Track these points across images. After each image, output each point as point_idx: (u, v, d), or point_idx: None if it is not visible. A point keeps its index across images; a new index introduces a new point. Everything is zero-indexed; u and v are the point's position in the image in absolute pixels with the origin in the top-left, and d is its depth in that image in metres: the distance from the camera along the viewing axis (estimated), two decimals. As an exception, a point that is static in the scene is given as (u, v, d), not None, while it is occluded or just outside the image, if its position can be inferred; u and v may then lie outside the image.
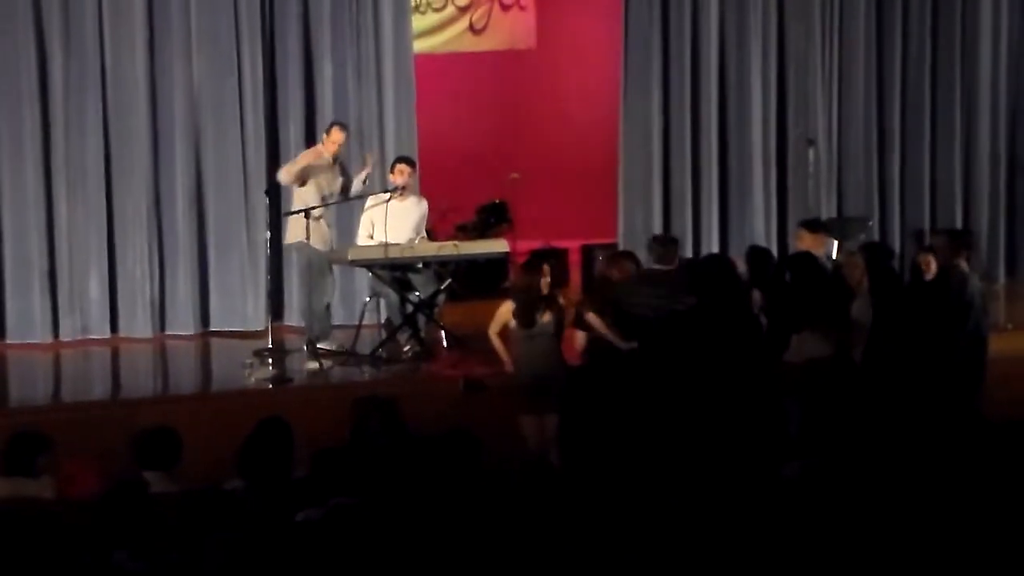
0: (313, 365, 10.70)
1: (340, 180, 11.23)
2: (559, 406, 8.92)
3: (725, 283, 9.36)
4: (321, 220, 11.03)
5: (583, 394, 9.01)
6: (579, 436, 8.74)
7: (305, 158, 11.14)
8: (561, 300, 9.33)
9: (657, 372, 8.94)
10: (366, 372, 10.90)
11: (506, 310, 9.08)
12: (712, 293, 9.15)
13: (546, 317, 8.99)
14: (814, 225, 10.67)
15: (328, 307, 11.30)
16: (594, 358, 9.21)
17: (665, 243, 10.01)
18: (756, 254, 10.66)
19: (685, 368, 8.91)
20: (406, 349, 11.12)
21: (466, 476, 6.23)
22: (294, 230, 10.97)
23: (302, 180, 10.94)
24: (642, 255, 10.46)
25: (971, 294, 9.79)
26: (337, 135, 11.22)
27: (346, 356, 10.92)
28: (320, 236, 10.97)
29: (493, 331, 9.21)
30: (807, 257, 9.98)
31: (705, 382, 8.79)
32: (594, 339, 9.21)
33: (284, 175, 11.11)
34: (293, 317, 12.65)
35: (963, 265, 9.92)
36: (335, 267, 11.30)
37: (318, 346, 10.90)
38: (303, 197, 10.97)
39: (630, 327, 9.12)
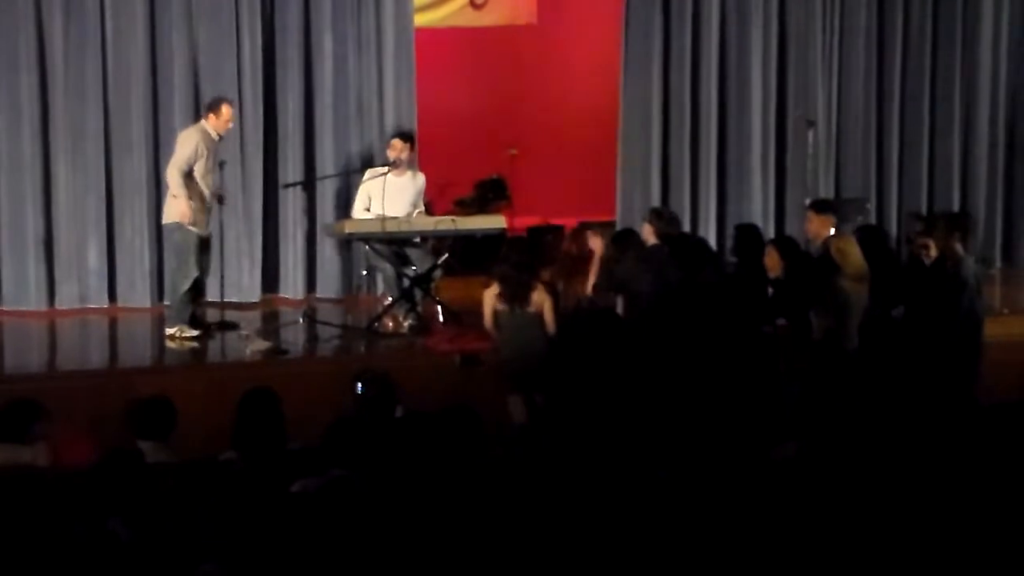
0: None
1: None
2: (544, 385, 8.95)
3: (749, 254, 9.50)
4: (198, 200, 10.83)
5: (567, 371, 9.03)
6: (564, 414, 8.76)
7: (190, 146, 10.74)
8: (547, 279, 9.37)
9: (649, 348, 8.97)
10: (362, 346, 10.90)
11: (491, 296, 9.15)
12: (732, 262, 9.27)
13: (535, 297, 9.04)
14: (822, 206, 10.67)
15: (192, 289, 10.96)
16: (571, 334, 9.23)
17: (670, 220, 10.05)
18: (744, 231, 10.75)
19: (678, 344, 8.95)
20: (403, 323, 11.12)
21: (466, 450, 6.23)
22: (172, 210, 10.80)
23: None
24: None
25: (966, 276, 9.81)
26: (228, 112, 11.03)
27: (343, 329, 10.91)
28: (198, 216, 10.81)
29: (488, 322, 9.24)
30: (793, 242, 10.11)
31: (700, 359, 8.82)
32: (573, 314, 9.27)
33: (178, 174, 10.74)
34: (288, 290, 12.66)
35: (959, 248, 9.94)
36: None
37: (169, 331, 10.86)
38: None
39: (631, 303, 9.15)
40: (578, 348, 9.07)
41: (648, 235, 9.85)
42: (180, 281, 10.83)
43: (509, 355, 9.13)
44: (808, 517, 5.68)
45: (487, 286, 9.26)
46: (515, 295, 9.04)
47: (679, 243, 10.42)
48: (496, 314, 9.16)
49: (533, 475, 6.10)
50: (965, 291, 9.76)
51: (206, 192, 10.75)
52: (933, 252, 9.86)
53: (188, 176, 10.62)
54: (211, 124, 10.88)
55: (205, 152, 10.71)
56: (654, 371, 8.80)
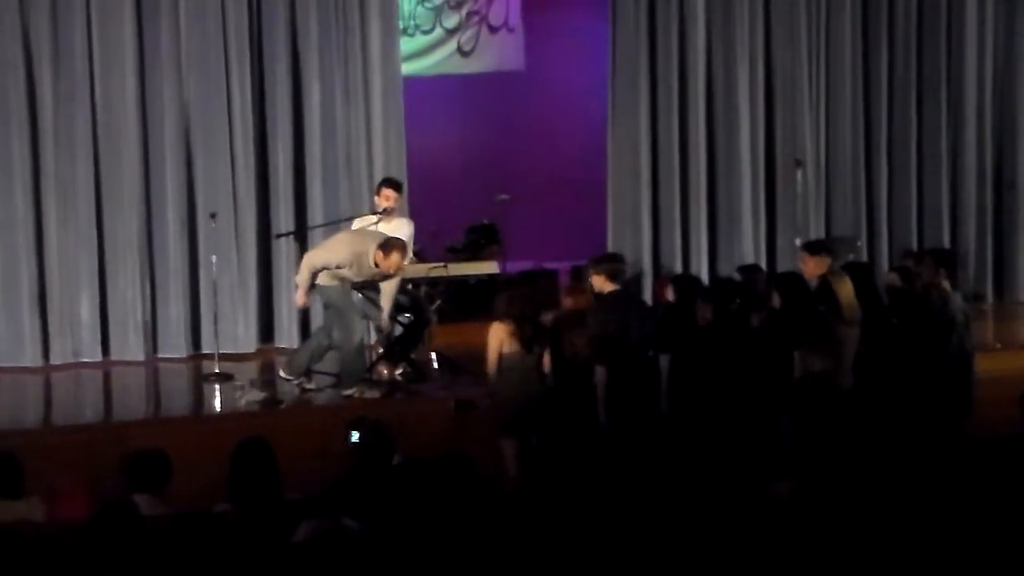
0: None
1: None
2: (541, 428, 8.94)
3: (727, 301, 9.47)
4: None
5: (563, 415, 9.03)
6: (560, 456, 8.76)
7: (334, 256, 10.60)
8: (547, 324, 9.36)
9: (625, 393, 8.97)
10: (356, 394, 10.87)
11: (501, 335, 8.99)
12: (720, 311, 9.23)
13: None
14: (815, 247, 10.69)
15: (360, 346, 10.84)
16: (564, 378, 9.22)
17: (614, 260, 9.92)
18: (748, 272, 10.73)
19: (660, 386, 8.97)
20: (396, 371, 11.12)
21: (462, 496, 6.22)
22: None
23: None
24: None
25: (952, 312, 9.83)
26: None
27: (337, 378, 10.90)
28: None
29: (493, 362, 9.03)
30: (794, 278, 10.08)
31: (697, 399, 8.83)
32: (564, 360, 9.22)
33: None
34: (283, 340, 12.66)
35: (945, 284, 9.98)
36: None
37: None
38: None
39: (604, 348, 9.13)
40: (575, 393, 9.09)
41: (602, 284, 9.60)
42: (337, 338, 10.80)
43: (511, 397, 9.03)
44: (804, 555, 5.68)
45: (499, 323, 9.10)
46: (533, 337, 9.02)
47: (682, 281, 10.42)
48: (502, 356, 9.06)
49: (529, 520, 6.09)
50: (954, 328, 9.78)
51: None
52: (898, 283, 9.94)
53: None
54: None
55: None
56: (649, 414, 8.83)
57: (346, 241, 10.74)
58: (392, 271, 10.50)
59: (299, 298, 10.83)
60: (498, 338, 8.99)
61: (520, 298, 9.30)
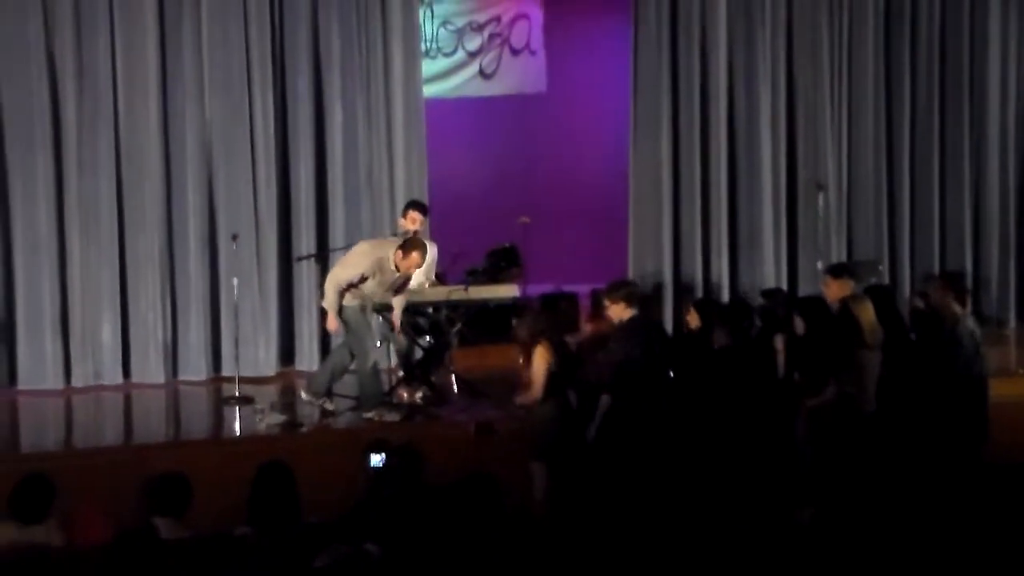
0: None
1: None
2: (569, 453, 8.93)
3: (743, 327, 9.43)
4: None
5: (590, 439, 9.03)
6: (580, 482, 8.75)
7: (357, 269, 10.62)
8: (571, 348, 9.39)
9: (641, 419, 8.95)
10: (376, 417, 10.86)
11: (547, 358, 8.99)
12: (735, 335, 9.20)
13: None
14: (838, 270, 10.66)
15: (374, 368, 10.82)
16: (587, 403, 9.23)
17: (627, 285, 9.89)
18: (771, 295, 10.70)
19: (681, 412, 8.95)
20: (417, 394, 11.11)
21: (487, 520, 6.20)
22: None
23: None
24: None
25: (959, 336, 9.80)
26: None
27: (357, 401, 10.89)
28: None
29: (540, 384, 8.99)
30: (817, 302, 10.05)
31: (717, 425, 8.80)
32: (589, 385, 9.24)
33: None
34: (304, 363, 12.67)
35: (955, 307, 9.97)
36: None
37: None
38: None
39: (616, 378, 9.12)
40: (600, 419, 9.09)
41: (621, 312, 9.63)
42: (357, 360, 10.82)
43: (544, 419, 9.04)
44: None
45: (542, 346, 9.08)
46: (567, 363, 9.05)
47: (704, 306, 10.41)
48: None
49: (555, 544, 6.08)
50: (960, 351, 9.74)
51: None
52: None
53: None
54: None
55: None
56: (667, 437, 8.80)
57: (365, 252, 10.74)
58: (412, 271, 10.60)
59: (331, 323, 10.72)
60: (546, 360, 8.98)
61: (542, 317, 9.30)
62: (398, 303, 10.79)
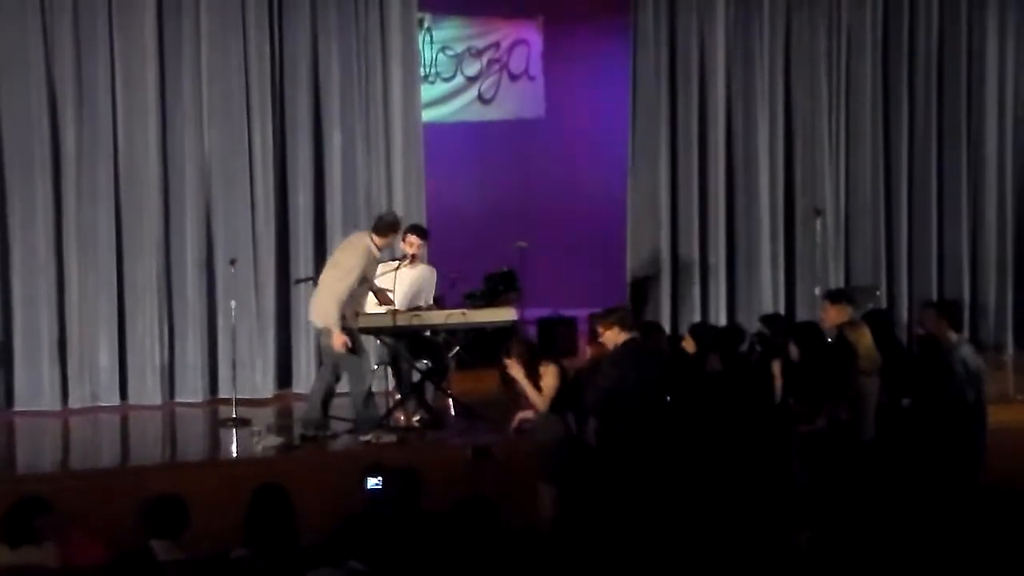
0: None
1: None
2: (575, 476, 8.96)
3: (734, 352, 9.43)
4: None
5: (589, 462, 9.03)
6: (585, 504, 8.75)
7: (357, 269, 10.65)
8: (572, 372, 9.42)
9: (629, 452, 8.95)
10: (372, 440, 10.86)
11: (557, 376, 9.11)
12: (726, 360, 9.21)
13: None
14: (837, 296, 10.68)
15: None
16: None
17: (619, 309, 9.90)
18: (770, 321, 10.70)
19: (676, 438, 8.95)
20: (414, 418, 11.10)
21: (485, 543, 6.20)
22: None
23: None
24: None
25: (951, 362, 9.81)
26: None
27: (354, 423, 10.89)
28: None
29: (548, 401, 9.13)
30: (812, 328, 10.07)
31: (713, 449, 8.80)
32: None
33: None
34: (300, 385, 12.67)
35: (951, 335, 9.99)
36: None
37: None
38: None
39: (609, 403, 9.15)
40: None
41: (615, 336, 9.61)
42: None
43: (553, 441, 9.09)
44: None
45: (550, 366, 9.19)
46: (567, 387, 9.13)
47: (699, 330, 10.41)
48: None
49: (558, 567, 6.07)
50: (952, 377, 9.75)
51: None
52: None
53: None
54: (401, 245, 11.18)
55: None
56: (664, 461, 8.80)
57: (354, 246, 10.76)
58: (391, 245, 10.89)
59: (338, 340, 10.49)
60: (557, 378, 9.09)
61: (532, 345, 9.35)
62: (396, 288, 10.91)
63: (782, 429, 9.14)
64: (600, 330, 9.47)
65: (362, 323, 10.93)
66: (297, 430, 10.86)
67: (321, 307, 10.67)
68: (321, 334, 10.82)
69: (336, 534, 6.34)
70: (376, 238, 10.71)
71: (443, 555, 6.16)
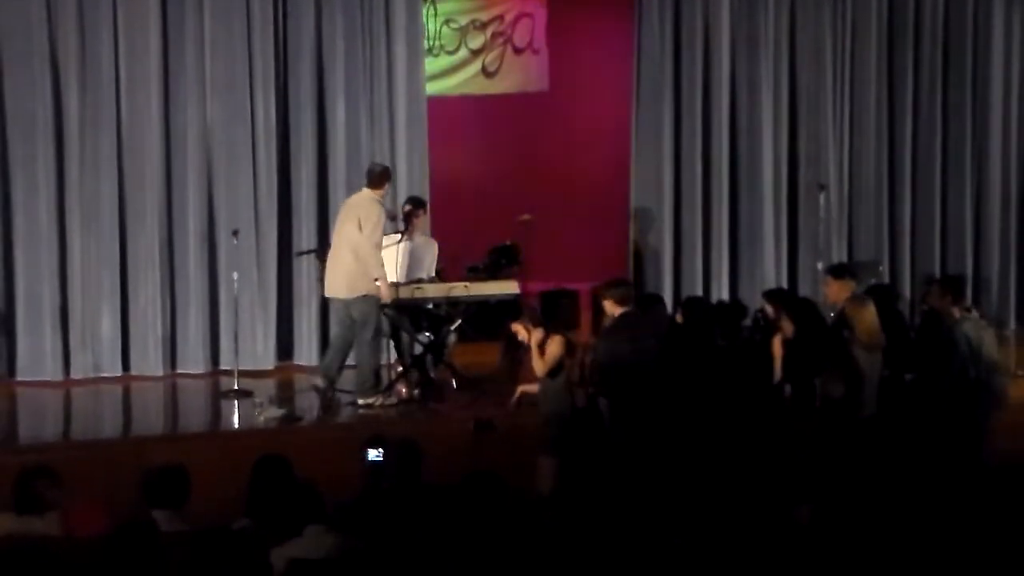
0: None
1: None
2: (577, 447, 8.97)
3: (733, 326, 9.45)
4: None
5: (590, 434, 9.04)
6: (584, 476, 8.76)
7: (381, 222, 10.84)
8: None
9: (636, 419, 8.95)
10: (374, 412, 10.88)
11: (563, 347, 9.12)
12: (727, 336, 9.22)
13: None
14: (839, 271, 10.67)
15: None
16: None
17: (622, 285, 9.88)
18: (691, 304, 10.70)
19: (676, 413, 8.95)
20: (415, 390, 11.12)
21: (491, 517, 6.20)
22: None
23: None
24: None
25: (956, 338, 9.81)
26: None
27: (356, 395, 10.90)
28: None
29: (549, 369, 9.13)
30: (807, 304, 10.08)
31: (712, 424, 8.81)
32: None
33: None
34: (302, 357, 12.68)
35: (954, 310, 9.99)
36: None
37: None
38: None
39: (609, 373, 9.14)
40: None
41: (612, 309, 9.36)
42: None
43: (555, 413, 9.11)
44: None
45: (557, 337, 9.19)
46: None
47: (693, 306, 10.41)
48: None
49: (558, 542, 6.08)
50: (956, 352, 9.75)
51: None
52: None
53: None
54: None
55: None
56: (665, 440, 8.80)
57: (362, 210, 10.77)
58: (388, 193, 11.22)
59: (385, 291, 10.67)
60: (561, 348, 9.11)
61: (540, 314, 9.36)
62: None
63: (781, 404, 9.16)
64: (603, 300, 9.50)
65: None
66: (299, 397, 10.89)
67: (355, 271, 10.67)
68: (349, 305, 10.77)
69: (337, 509, 6.33)
70: (375, 192, 10.78)
71: (448, 527, 6.16)
